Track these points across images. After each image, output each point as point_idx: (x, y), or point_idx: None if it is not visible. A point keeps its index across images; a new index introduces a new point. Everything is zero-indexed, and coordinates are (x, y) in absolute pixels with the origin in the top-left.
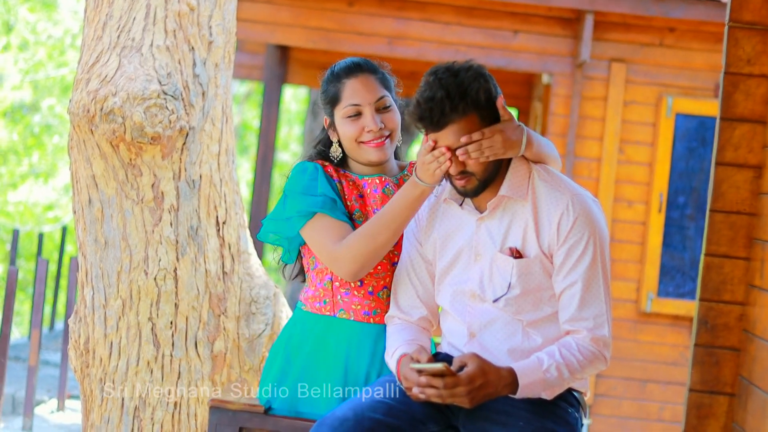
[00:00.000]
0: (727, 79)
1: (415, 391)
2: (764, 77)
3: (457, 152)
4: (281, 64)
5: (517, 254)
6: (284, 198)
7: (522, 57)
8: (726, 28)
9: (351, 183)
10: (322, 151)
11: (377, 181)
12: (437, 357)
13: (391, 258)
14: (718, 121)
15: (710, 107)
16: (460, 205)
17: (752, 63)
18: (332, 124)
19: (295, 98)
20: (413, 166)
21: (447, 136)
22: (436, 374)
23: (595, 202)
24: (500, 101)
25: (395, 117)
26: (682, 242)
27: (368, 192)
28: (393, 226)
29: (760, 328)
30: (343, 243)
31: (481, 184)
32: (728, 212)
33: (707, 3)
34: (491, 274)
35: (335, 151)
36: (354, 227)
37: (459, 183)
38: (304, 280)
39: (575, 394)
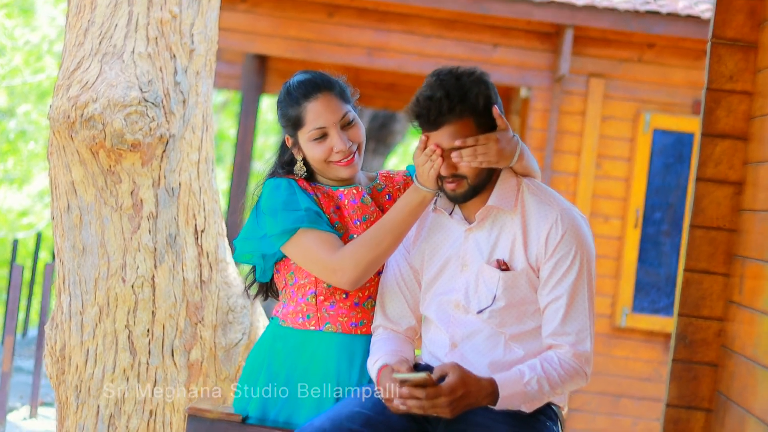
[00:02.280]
0: (709, 95)
1: (396, 402)
2: (746, 94)
3: (452, 155)
4: (259, 73)
5: (504, 266)
6: (259, 216)
7: (501, 70)
8: (709, 44)
9: (326, 195)
10: (288, 168)
11: (354, 192)
12: (417, 368)
13: (379, 269)
14: (699, 136)
15: (688, 123)
16: (450, 214)
17: (734, 79)
18: (296, 144)
19: (271, 108)
20: (383, 176)
21: (441, 136)
22: (418, 384)
23: (583, 218)
24: (496, 110)
25: (360, 130)
26: (658, 258)
27: (345, 203)
28: (396, 232)
29: (738, 344)
30: (342, 252)
31: (471, 189)
32: (708, 228)
33: (687, 19)
34: (477, 285)
35: (300, 170)
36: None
37: (449, 186)
38: (266, 299)
39: (554, 408)
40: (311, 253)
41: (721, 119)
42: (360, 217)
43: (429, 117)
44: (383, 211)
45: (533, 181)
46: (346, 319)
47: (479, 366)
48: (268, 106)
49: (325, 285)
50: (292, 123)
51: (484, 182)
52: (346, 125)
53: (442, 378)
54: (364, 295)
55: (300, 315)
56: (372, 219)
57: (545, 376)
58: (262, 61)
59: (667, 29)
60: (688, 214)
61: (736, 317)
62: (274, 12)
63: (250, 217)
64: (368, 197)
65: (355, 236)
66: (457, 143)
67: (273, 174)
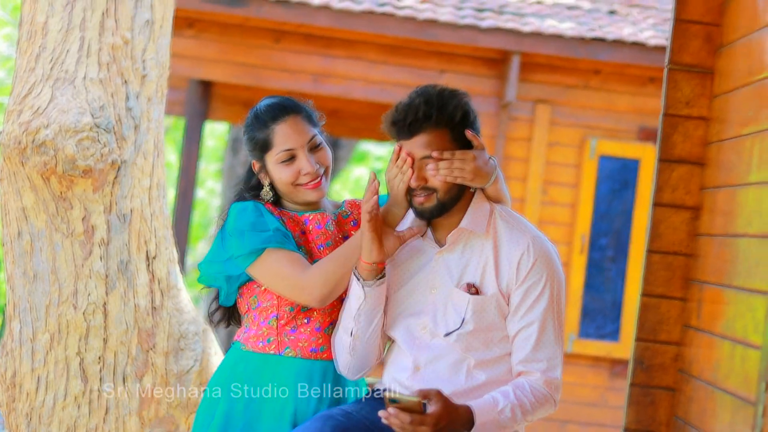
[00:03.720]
0: (666, 121)
1: (381, 413)
2: (702, 119)
3: (428, 167)
4: (203, 99)
5: (474, 290)
6: (225, 238)
7: None
8: (665, 70)
9: (291, 220)
10: (255, 192)
11: (319, 217)
12: (376, 392)
13: (343, 294)
14: (656, 162)
15: (633, 149)
16: (422, 236)
17: (691, 105)
18: (263, 168)
19: (211, 134)
20: (349, 204)
21: (415, 145)
22: (406, 408)
23: (553, 247)
24: (470, 132)
25: (328, 154)
26: (604, 284)
27: (310, 228)
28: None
29: (696, 369)
30: (311, 269)
31: (439, 204)
32: (665, 253)
33: (632, 46)
34: (446, 308)
35: (266, 194)
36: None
37: (418, 200)
38: (228, 325)
39: None
40: (279, 272)
41: (677, 145)
42: (324, 242)
43: (405, 121)
44: (347, 238)
45: (504, 207)
46: (306, 344)
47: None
48: (207, 132)
49: (287, 309)
50: (260, 146)
51: (453, 200)
52: (313, 148)
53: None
54: (326, 321)
55: (261, 339)
56: (335, 245)
57: (518, 403)
58: (206, 87)
59: (612, 56)
60: (646, 238)
61: (694, 342)
62: (220, 38)
63: (215, 241)
64: (332, 224)
65: (318, 261)
66: (435, 155)
67: (240, 198)
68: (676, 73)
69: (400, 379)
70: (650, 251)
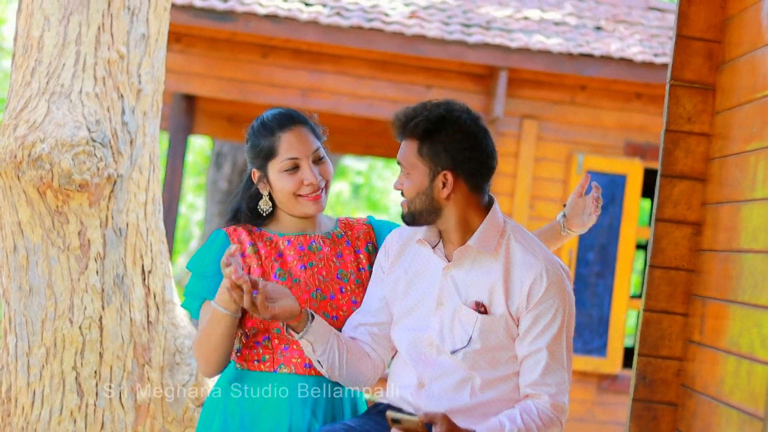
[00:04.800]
0: (667, 137)
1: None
2: (704, 135)
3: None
4: (187, 114)
5: (482, 309)
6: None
7: None
8: (667, 86)
9: (268, 243)
10: (253, 203)
11: (301, 240)
12: (378, 408)
13: (329, 311)
14: (658, 177)
15: (620, 165)
16: (433, 248)
17: (692, 121)
18: (263, 178)
19: (191, 149)
20: (342, 223)
21: (401, 149)
22: (408, 429)
23: (566, 270)
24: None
25: (329, 168)
26: (591, 299)
27: (289, 251)
28: (212, 331)
29: (700, 383)
30: (193, 344)
31: (409, 213)
32: (667, 268)
33: (619, 62)
34: (452, 325)
35: (265, 204)
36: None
37: (402, 205)
38: None
39: None
40: (199, 328)
41: (679, 160)
42: (306, 263)
43: (399, 120)
44: (342, 257)
45: (520, 228)
46: (299, 360)
47: (442, 409)
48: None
49: (275, 331)
50: (264, 154)
51: (423, 211)
52: (317, 160)
53: (429, 424)
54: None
55: (256, 357)
56: (320, 266)
57: (525, 427)
58: (190, 102)
59: (599, 71)
60: (647, 254)
61: (697, 357)
62: (208, 52)
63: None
64: (316, 244)
65: (299, 280)
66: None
67: (236, 210)
68: (677, 89)
69: (404, 395)
70: (652, 266)
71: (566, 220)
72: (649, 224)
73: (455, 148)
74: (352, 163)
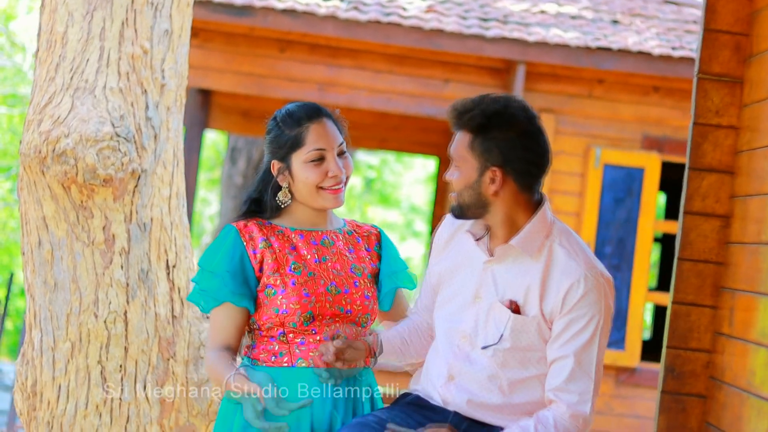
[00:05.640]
0: (696, 130)
1: None
2: (732, 128)
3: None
4: (203, 108)
5: (515, 308)
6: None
7: None
8: (695, 79)
9: (281, 236)
10: (266, 198)
11: (314, 235)
12: (406, 398)
13: (344, 305)
14: (686, 170)
15: (638, 158)
16: (477, 240)
17: (720, 114)
18: (286, 169)
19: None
20: (350, 224)
21: (454, 141)
22: None
23: (608, 279)
24: None
25: (351, 162)
26: None
27: (301, 245)
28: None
29: (729, 375)
30: (206, 355)
31: (458, 206)
32: (696, 261)
33: (637, 55)
34: (486, 320)
35: (284, 197)
36: (290, 288)
37: (450, 196)
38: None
39: None
40: (210, 327)
41: (707, 153)
42: (320, 257)
43: (456, 110)
44: (355, 251)
45: (567, 232)
46: (317, 353)
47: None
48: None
49: (291, 325)
50: (289, 144)
51: (471, 205)
52: (340, 154)
53: None
54: (332, 330)
55: (272, 354)
56: (333, 261)
57: None
58: (206, 96)
59: (616, 65)
60: (676, 247)
61: (726, 349)
62: (225, 47)
63: None
64: (329, 240)
65: (314, 274)
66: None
67: (251, 201)
68: (705, 83)
69: (436, 384)
70: (681, 259)
71: None
72: (666, 217)
73: (507, 146)
74: (364, 157)
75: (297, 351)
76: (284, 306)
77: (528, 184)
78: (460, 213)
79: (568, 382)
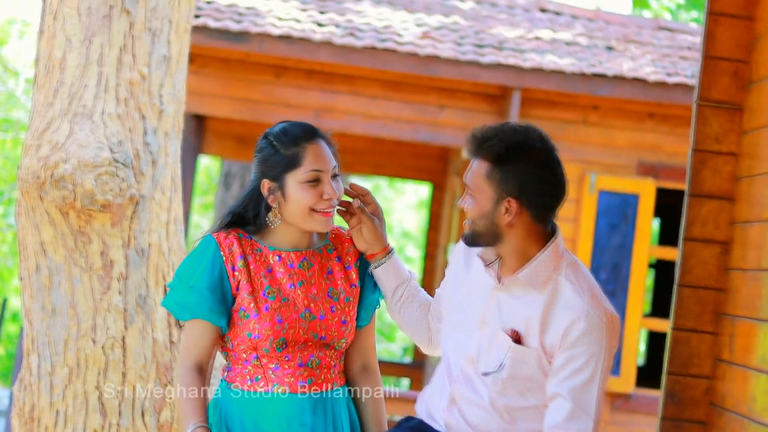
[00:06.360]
0: (695, 156)
1: None
2: (732, 155)
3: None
4: (197, 134)
5: (516, 338)
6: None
7: (447, 132)
8: (694, 106)
9: (258, 255)
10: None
11: (292, 257)
12: (410, 422)
13: (317, 331)
14: (686, 197)
15: (632, 185)
16: (487, 266)
17: (720, 141)
18: (279, 189)
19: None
20: (332, 234)
21: (471, 168)
22: None
23: (613, 319)
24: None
25: (342, 187)
26: None
27: (278, 267)
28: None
29: (730, 402)
30: (180, 373)
31: (471, 233)
32: (696, 287)
33: (632, 82)
34: (489, 346)
35: (275, 217)
36: (263, 313)
37: (464, 224)
38: None
39: None
40: (184, 340)
41: (707, 180)
42: (296, 281)
43: (476, 137)
44: (332, 273)
45: (578, 267)
46: (292, 379)
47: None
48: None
49: (264, 350)
50: (285, 163)
51: (484, 234)
52: (333, 177)
53: None
54: (305, 356)
55: (248, 377)
56: (310, 284)
57: None
58: (200, 122)
59: (612, 91)
60: (676, 273)
61: (727, 375)
62: (221, 73)
63: None
64: (308, 261)
65: (288, 299)
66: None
67: (234, 215)
68: (705, 109)
69: (437, 409)
70: (681, 285)
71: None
72: (660, 243)
73: (525, 178)
74: (357, 182)
75: (272, 376)
76: (257, 331)
77: (542, 216)
78: (473, 241)
79: (567, 420)
